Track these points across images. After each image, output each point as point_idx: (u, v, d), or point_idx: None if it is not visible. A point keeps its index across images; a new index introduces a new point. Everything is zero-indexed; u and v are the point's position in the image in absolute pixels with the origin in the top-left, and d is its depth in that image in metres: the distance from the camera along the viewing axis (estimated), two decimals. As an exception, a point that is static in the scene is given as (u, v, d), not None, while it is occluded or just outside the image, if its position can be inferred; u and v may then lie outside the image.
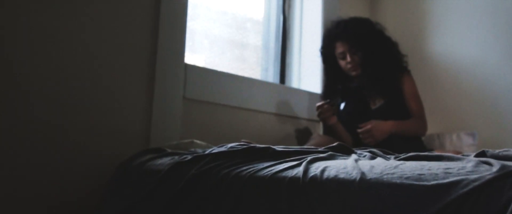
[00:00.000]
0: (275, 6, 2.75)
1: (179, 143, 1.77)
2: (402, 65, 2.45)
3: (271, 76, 2.73)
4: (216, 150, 1.44)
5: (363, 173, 1.01)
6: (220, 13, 2.55)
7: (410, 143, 2.29)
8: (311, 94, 2.60)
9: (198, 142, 1.80)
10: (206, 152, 1.43)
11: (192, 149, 1.66)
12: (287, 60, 2.75)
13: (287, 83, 2.73)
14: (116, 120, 1.82)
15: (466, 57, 2.72)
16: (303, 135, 2.52)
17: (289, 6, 2.78)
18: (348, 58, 2.35)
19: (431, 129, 2.43)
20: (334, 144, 1.42)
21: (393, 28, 2.52)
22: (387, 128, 2.25)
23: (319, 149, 1.37)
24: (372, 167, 1.04)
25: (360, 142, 2.23)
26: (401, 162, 1.09)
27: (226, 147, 1.44)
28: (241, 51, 2.63)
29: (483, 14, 2.67)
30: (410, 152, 1.22)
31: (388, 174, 0.98)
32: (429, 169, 0.97)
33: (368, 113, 2.35)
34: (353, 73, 2.40)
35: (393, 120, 2.32)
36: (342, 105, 2.41)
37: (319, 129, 2.62)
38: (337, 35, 2.40)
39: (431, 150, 2.32)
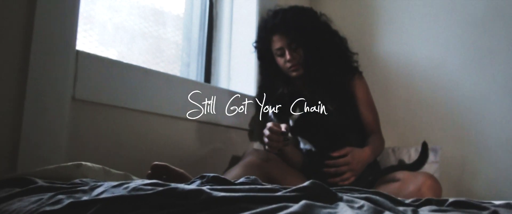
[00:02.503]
0: (200, -11, 2.27)
1: (58, 167, 1.23)
2: (352, 66, 2.09)
3: (194, 73, 2.24)
4: (108, 192, 0.88)
5: None
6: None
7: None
8: (243, 97, 2.12)
9: (89, 165, 1.27)
10: (93, 196, 0.90)
11: (78, 180, 1.13)
12: (214, 55, 2.28)
13: (213, 83, 2.25)
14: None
15: (424, 59, 2.40)
16: (235, 148, 2.05)
17: (218, -10, 2.31)
18: (287, 56, 1.96)
19: (385, 143, 2.06)
20: (305, 184, 0.84)
21: (337, 22, 2.13)
22: (365, 156, 1.85)
23: (282, 193, 0.82)
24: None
25: (318, 164, 1.81)
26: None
27: (127, 188, 0.87)
28: (157, 42, 2.12)
29: (443, 9, 2.36)
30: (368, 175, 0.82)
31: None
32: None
33: (323, 120, 1.88)
34: (294, 73, 2.00)
35: (343, 132, 1.93)
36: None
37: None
38: (274, 27, 2.00)
39: (389, 168, 1.96)
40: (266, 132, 1.76)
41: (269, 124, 1.76)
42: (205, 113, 1.91)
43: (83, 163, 1.26)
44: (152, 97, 1.72)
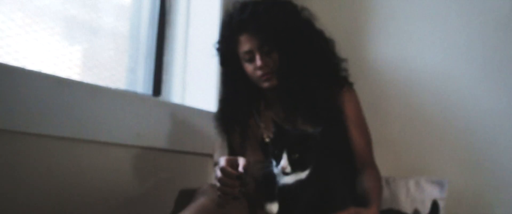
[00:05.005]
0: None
1: None
2: (341, 75, 1.71)
3: (141, 83, 1.77)
4: None
5: None
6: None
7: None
8: (200, 114, 1.69)
9: None
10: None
11: None
12: (166, 58, 1.81)
13: (164, 96, 1.80)
14: None
15: (427, 68, 2.14)
16: (189, 179, 1.65)
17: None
18: (258, 61, 1.59)
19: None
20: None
21: (321, 21, 1.78)
22: None
23: None
24: None
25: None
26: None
27: None
28: (90, 40, 1.65)
29: (454, 7, 2.12)
30: None
31: None
32: None
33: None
34: (265, 84, 1.62)
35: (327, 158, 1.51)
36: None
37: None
38: (241, 24, 1.62)
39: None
40: (218, 173, 1.34)
41: (222, 161, 1.35)
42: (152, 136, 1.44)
43: None
44: (79, 119, 1.24)
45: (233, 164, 1.35)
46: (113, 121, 1.37)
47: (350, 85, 1.71)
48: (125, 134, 1.40)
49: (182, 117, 1.62)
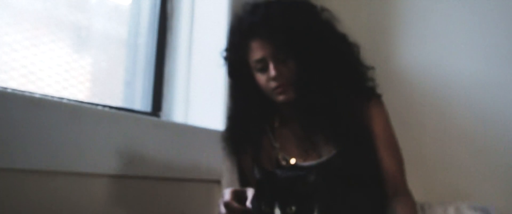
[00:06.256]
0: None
1: None
2: (368, 86, 1.55)
3: (139, 98, 1.58)
4: None
5: None
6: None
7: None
8: (206, 133, 1.51)
9: None
10: None
11: None
12: (167, 69, 1.62)
13: (165, 114, 1.61)
14: None
15: (465, 77, 1.98)
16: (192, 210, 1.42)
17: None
18: (272, 71, 1.42)
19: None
20: None
21: (343, 25, 1.61)
22: None
23: None
24: None
25: None
26: None
27: None
28: (81, 47, 1.45)
29: (495, 9, 1.96)
30: None
31: None
32: None
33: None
34: (280, 97, 1.45)
35: (351, 185, 1.39)
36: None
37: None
38: (252, 28, 1.45)
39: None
40: (222, 209, 1.17)
41: (226, 194, 1.16)
42: (150, 164, 1.23)
43: None
44: (42, 146, 1.03)
45: (240, 196, 1.15)
46: (99, 146, 1.16)
47: (378, 97, 1.54)
48: (112, 162, 1.19)
49: (184, 137, 1.41)
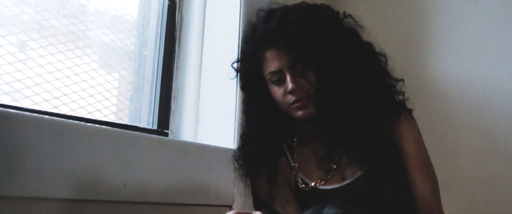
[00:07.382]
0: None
1: None
2: (397, 101, 1.42)
3: (145, 115, 1.47)
4: None
5: None
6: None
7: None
8: (216, 153, 1.36)
9: None
10: None
11: None
12: (175, 83, 1.51)
13: (172, 132, 1.48)
14: None
15: (503, 91, 1.87)
16: None
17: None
18: (289, 84, 1.31)
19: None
20: None
21: (369, 33, 1.49)
22: None
23: None
24: None
25: None
26: None
27: None
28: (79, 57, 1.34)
29: None
30: None
31: None
32: None
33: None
34: (299, 112, 1.33)
35: (379, 211, 1.25)
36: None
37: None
38: (267, 36, 1.33)
39: None
40: None
41: None
42: (155, 186, 1.10)
43: None
44: (25, 170, 0.90)
45: None
46: (88, 169, 1.02)
47: (408, 112, 1.39)
48: (103, 187, 1.05)
49: (192, 157, 1.27)
